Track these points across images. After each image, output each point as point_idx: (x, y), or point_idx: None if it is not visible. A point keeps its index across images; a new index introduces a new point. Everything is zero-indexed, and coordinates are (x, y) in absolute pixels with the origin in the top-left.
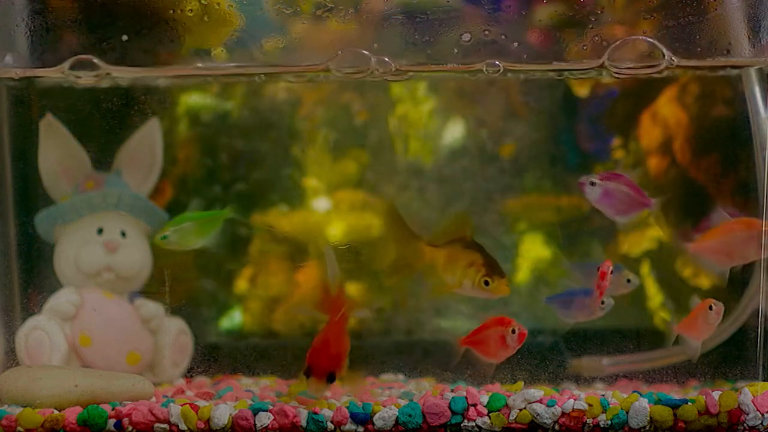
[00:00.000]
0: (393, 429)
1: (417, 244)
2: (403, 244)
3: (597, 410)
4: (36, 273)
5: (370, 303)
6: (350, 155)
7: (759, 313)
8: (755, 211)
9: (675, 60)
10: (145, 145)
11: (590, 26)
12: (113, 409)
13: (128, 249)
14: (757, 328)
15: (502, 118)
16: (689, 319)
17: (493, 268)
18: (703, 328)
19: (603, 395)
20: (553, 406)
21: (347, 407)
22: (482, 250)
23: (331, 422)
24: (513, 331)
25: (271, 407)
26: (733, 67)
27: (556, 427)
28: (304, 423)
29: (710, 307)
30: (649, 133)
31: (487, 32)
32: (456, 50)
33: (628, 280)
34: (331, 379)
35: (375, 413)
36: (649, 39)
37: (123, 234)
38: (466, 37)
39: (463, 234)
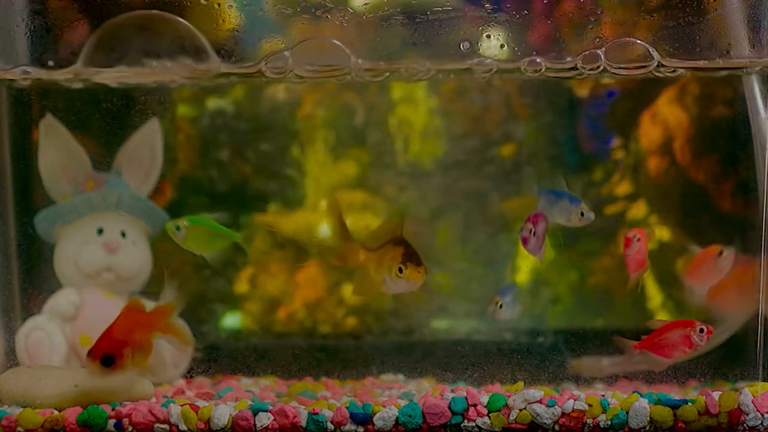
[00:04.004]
0: (393, 429)
1: (352, 244)
2: (339, 243)
3: (597, 410)
4: (36, 273)
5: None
6: (352, 155)
7: (759, 313)
8: (755, 212)
9: (664, 62)
10: (145, 145)
11: (590, 27)
12: (113, 410)
13: (128, 249)
14: (757, 328)
15: (501, 118)
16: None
17: (410, 258)
18: (711, 275)
19: (603, 395)
20: (553, 406)
21: (347, 407)
22: (406, 244)
23: (331, 422)
24: (701, 330)
25: (271, 407)
26: (733, 67)
27: (556, 427)
28: (304, 423)
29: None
30: (648, 134)
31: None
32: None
33: (582, 214)
34: (106, 362)
35: (375, 413)
36: (640, 41)
37: (123, 234)
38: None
39: (395, 233)
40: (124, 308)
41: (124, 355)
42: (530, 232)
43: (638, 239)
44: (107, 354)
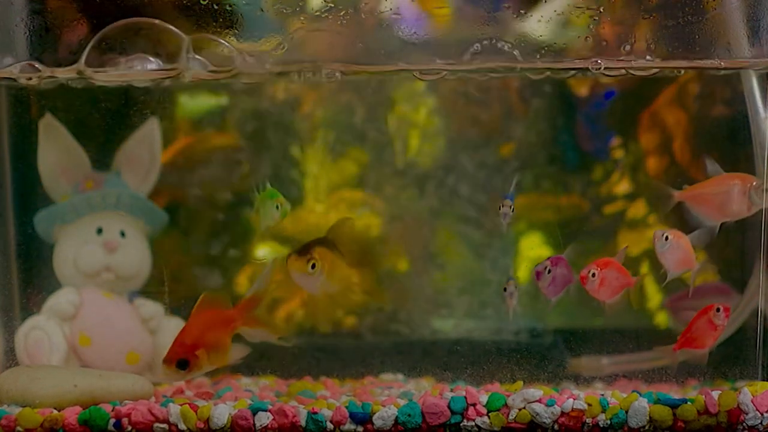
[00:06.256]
0: (392, 429)
1: None
2: None
3: (596, 410)
4: (36, 273)
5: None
6: (350, 155)
7: (759, 313)
8: (756, 215)
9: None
10: (145, 145)
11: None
12: (113, 409)
13: (127, 249)
14: (757, 328)
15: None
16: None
17: (301, 249)
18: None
19: (602, 395)
20: (552, 405)
21: (346, 407)
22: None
23: (331, 422)
24: (718, 310)
25: (270, 407)
26: (732, 67)
27: (556, 426)
28: (303, 422)
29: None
30: (648, 134)
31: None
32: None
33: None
34: (181, 365)
35: (374, 413)
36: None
37: (122, 234)
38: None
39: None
40: (197, 305)
41: (198, 356)
42: (545, 269)
43: (593, 274)
44: (181, 359)
